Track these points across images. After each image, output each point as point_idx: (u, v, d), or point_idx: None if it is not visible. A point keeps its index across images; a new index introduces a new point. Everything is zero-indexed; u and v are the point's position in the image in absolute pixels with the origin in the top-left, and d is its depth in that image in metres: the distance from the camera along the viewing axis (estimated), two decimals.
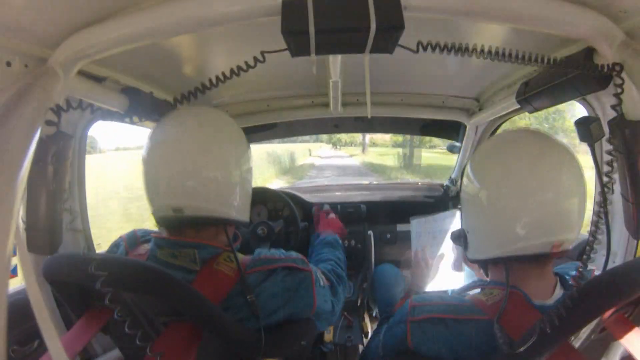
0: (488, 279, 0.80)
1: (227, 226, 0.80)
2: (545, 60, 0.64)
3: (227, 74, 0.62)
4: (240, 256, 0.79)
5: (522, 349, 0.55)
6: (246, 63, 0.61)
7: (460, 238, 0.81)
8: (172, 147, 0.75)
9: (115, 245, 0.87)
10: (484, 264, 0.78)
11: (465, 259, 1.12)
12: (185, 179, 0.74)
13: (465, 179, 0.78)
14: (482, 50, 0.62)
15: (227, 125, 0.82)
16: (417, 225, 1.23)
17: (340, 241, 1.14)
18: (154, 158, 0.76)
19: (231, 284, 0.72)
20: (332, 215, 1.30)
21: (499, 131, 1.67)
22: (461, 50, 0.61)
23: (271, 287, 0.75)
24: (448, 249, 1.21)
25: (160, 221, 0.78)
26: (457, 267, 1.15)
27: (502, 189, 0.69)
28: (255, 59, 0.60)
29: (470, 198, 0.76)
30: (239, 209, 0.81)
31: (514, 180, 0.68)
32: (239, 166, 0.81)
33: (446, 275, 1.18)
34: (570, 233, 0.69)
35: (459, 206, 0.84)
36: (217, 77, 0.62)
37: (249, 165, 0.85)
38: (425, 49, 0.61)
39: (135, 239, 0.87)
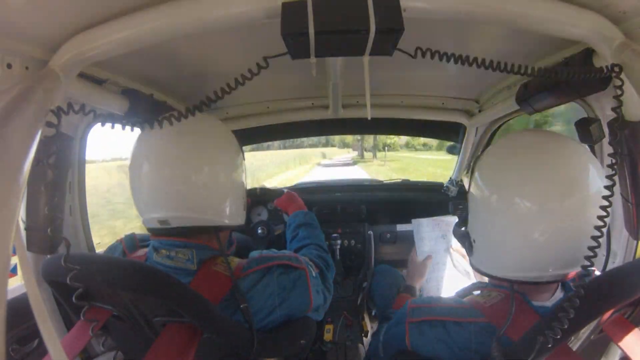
0: (487, 281, 0.79)
1: (219, 232, 0.79)
2: (544, 71, 0.63)
3: (227, 75, 0.62)
4: (236, 260, 0.79)
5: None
6: (250, 71, 0.61)
7: (464, 240, 0.76)
8: (152, 158, 0.74)
9: (112, 249, 0.88)
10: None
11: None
12: (167, 190, 0.72)
13: (474, 185, 0.72)
14: (483, 61, 0.61)
15: (211, 130, 0.80)
16: (418, 228, 1.25)
17: (313, 215, 1.10)
18: (136, 169, 0.75)
19: (230, 285, 0.72)
20: (284, 190, 1.23)
21: (498, 133, 1.68)
22: (461, 59, 0.60)
23: (267, 287, 0.75)
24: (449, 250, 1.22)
25: (149, 231, 0.78)
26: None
27: (515, 197, 0.63)
28: (259, 66, 0.60)
29: (480, 206, 0.70)
30: (230, 214, 0.80)
31: (531, 188, 0.62)
32: (227, 171, 0.79)
33: (454, 276, 1.18)
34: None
35: (459, 207, 0.82)
36: (222, 89, 0.62)
37: (239, 168, 0.83)
38: (424, 55, 0.60)
39: (134, 242, 0.87)
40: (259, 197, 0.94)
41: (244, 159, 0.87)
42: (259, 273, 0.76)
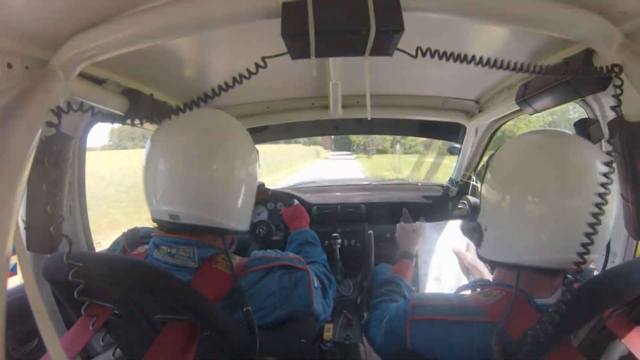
0: (491, 279, 0.79)
1: (225, 235, 0.79)
2: (544, 68, 0.63)
3: (227, 75, 0.62)
4: (237, 258, 0.80)
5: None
6: (248, 70, 0.61)
7: (473, 232, 0.77)
8: (172, 153, 0.74)
9: (116, 244, 0.88)
10: (494, 264, 0.76)
11: (465, 263, 1.13)
12: (183, 186, 0.73)
13: (488, 180, 0.75)
14: (481, 60, 0.61)
15: (232, 131, 0.80)
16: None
17: (315, 234, 1.12)
18: (153, 162, 0.76)
19: (231, 282, 0.72)
20: (295, 201, 1.24)
21: (498, 133, 1.68)
22: (460, 58, 0.60)
23: (268, 286, 0.75)
24: (447, 256, 1.23)
25: (157, 223, 0.78)
26: (464, 271, 1.17)
27: (528, 195, 0.66)
28: (257, 65, 0.60)
29: (492, 200, 0.72)
30: (238, 219, 0.80)
31: (541, 186, 0.65)
32: (242, 174, 0.79)
33: (451, 278, 1.19)
34: (598, 251, 0.65)
35: (462, 205, 0.82)
36: (220, 86, 0.62)
37: (254, 172, 0.83)
38: (424, 54, 0.60)
39: (135, 238, 0.87)
40: (266, 198, 0.94)
41: (259, 166, 0.86)
42: (260, 272, 0.76)
